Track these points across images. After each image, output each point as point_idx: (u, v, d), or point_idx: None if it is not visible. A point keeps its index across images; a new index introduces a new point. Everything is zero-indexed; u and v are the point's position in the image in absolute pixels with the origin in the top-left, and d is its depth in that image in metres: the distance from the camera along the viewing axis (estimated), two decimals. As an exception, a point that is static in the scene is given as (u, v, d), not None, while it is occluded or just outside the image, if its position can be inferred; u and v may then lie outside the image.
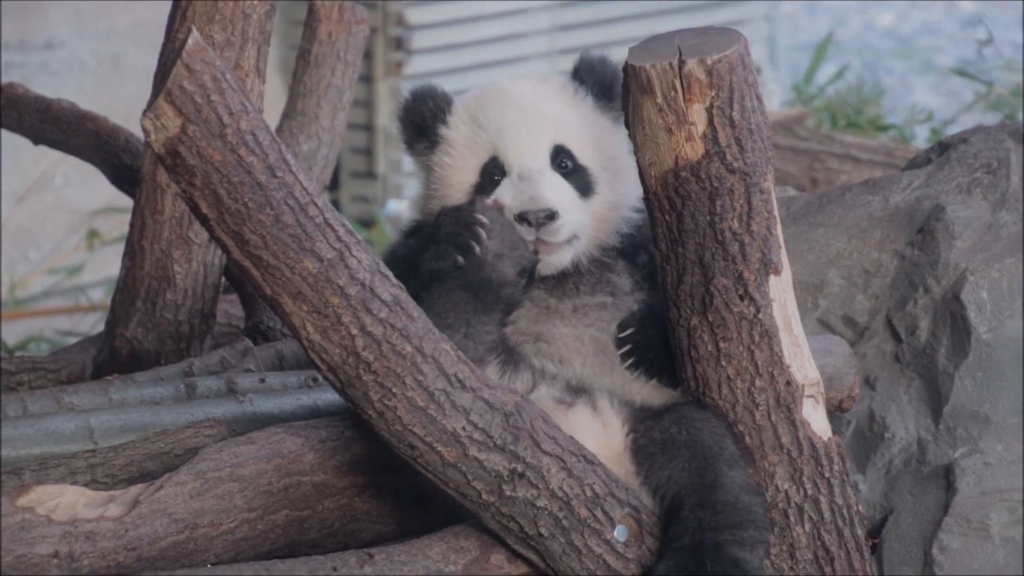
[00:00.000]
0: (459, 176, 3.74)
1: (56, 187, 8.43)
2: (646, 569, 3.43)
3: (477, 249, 3.52)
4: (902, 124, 9.17)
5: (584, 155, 3.69)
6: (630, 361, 3.59)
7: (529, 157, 3.67)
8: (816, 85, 9.80)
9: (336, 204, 9.29)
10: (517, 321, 3.64)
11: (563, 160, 3.68)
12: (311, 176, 4.98)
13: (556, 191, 3.64)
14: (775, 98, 9.98)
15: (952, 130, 5.61)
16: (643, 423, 3.53)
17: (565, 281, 3.68)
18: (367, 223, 9.10)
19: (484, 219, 3.54)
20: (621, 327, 3.60)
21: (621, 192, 3.71)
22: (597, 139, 3.71)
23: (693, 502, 3.43)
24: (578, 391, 3.57)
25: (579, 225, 3.65)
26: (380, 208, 9.22)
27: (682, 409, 3.54)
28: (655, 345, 3.58)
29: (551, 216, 3.60)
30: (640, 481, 3.49)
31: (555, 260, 3.64)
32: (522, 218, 3.60)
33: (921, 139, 9.08)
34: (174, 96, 3.14)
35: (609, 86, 3.73)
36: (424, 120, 3.79)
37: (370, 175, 9.43)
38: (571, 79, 3.76)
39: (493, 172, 3.69)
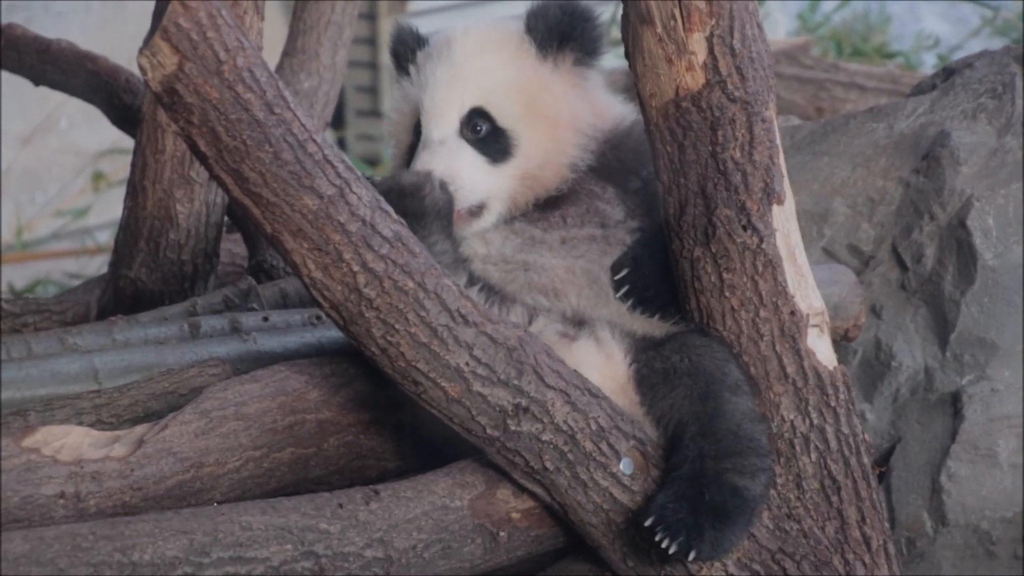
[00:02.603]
0: (401, 134, 3.75)
1: (61, 129, 8.41)
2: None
3: None
4: (909, 51, 9.12)
5: (506, 115, 3.65)
6: (629, 302, 3.57)
7: (435, 124, 3.66)
8: (822, 13, 9.74)
9: (341, 143, 9.27)
10: (502, 249, 3.63)
11: (477, 124, 3.66)
12: (312, 114, 4.99)
13: (450, 161, 3.62)
14: (780, 27, 9.91)
15: (959, 56, 5.57)
16: (645, 353, 3.51)
17: (550, 213, 3.67)
18: (372, 161, 9.08)
19: None
20: (615, 268, 3.58)
21: (553, 148, 3.67)
22: (529, 94, 3.66)
23: (694, 431, 3.42)
24: (579, 324, 3.56)
25: (486, 193, 3.64)
26: (386, 146, 9.20)
27: (684, 337, 3.52)
28: (652, 282, 3.57)
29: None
30: (644, 412, 3.49)
31: (468, 232, 3.64)
32: None
33: (928, 66, 9.02)
34: (170, 33, 3.12)
35: (563, 33, 3.68)
36: (397, 63, 3.79)
37: (375, 113, 9.41)
38: (523, 28, 3.71)
39: (419, 134, 3.69)
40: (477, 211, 3.66)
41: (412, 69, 3.75)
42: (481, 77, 3.66)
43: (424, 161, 3.63)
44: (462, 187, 3.62)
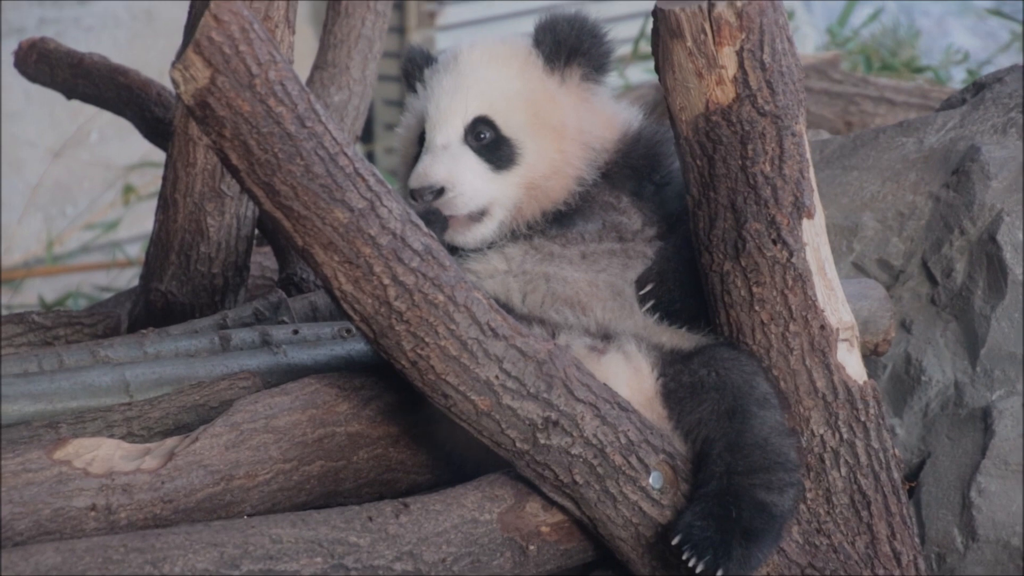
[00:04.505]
0: (407, 147, 3.76)
1: (92, 143, 8.44)
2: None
3: None
4: (938, 66, 9.10)
5: (510, 125, 3.66)
6: (656, 316, 3.57)
7: (439, 130, 3.66)
8: (851, 28, 9.72)
9: (370, 156, 9.28)
10: (523, 264, 3.63)
11: (481, 132, 3.65)
12: (342, 127, 4.99)
13: (452, 166, 3.62)
14: (809, 41, 9.91)
15: (988, 71, 5.56)
16: (672, 366, 3.51)
17: (567, 230, 3.66)
18: (402, 174, 9.07)
19: None
20: (639, 283, 3.59)
21: (559, 159, 3.67)
22: (535, 106, 3.67)
23: (721, 446, 3.42)
24: (606, 337, 3.56)
25: (487, 198, 3.64)
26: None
27: (712, 350, 3.52)
28: (678, 296, 3.57)
29: (439, 192, 3.60)
30: (672, 426, 3.49)
31: (468, 238, 3.65)
32: (412, 195, 3.61)
33: (957, 80, 9.00)
34: (203, 47, 3.13)
35: (571, 48, 3.69)
36: (407, 82, 3.80)
37: (404, 126, 9.39)
38: (531, 42, 3.72)
39: (423, 144, 3.70)
40: (478, 216, 3.66)
41: (419, 86, 3.76)
42: (486, 86, 3.67)
43: (426, 164, 3.63)
44: (462, 192, 3.62)
